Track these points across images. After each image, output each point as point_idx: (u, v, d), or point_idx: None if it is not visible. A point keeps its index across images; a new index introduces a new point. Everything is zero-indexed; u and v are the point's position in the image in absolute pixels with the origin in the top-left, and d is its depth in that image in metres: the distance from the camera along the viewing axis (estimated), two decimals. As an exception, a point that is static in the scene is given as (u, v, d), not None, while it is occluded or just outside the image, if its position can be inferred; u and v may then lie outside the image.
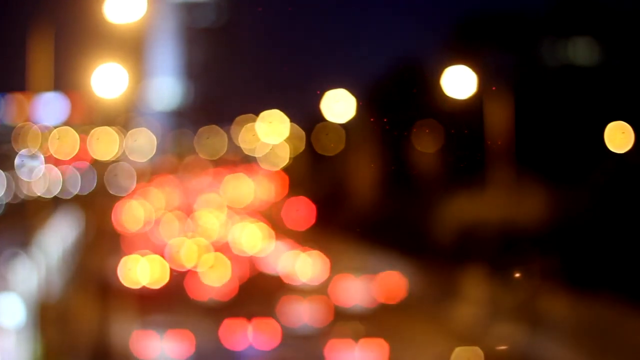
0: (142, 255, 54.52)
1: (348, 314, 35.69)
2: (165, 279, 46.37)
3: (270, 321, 34.58)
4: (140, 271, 48.77)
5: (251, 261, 49.75)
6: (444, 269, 51.09)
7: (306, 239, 53.58)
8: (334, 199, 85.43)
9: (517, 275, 41.43)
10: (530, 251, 41.17)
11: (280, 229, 69.40)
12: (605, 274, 33.57)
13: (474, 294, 45.63)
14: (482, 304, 44.44)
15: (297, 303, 35.59)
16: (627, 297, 32.60)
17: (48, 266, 39.95)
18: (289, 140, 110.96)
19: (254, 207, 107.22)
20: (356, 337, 31.65)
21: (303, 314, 34.97)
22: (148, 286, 45.01)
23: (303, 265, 44.51)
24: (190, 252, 52.91)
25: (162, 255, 52.74)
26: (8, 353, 28.45)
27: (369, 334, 33.18)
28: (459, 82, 48.03)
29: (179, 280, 45.07)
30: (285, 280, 41.41)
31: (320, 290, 39.06)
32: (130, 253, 56.02)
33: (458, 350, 29.31)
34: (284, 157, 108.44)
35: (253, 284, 41.62)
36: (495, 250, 41.61)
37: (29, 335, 30.31)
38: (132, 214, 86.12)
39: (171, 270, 47.76)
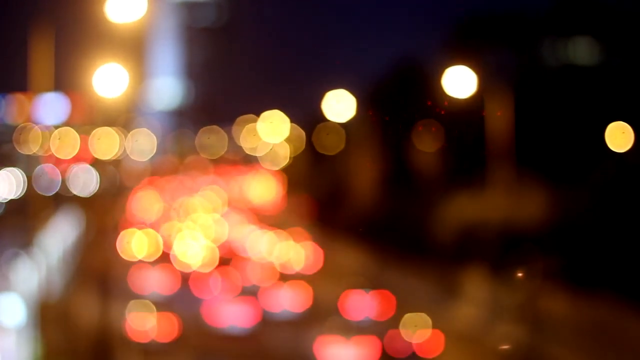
0: (139, 229, 67.79)
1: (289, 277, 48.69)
2: (158, 253, 58.05)
3: (232, 270, 49.49)
4: (136, 246, 60.29)
5: (231, 245, 63.41)
6: (444, 268, 51.15)
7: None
8: (334, 198, 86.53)
9: (518, 275, 41.49)
10: (531, 251, 41.22)
11: (264, 221, 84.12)
12: (606, 273, 33.56)
13: (475, 294, 45.67)
14: (483, 303, 44.49)
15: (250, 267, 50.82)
16: (628, 296, 32.62)
17: (48, 266, 40.03)
18: (289, 140, 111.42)
19: (249, 204, 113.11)
20: (284, 280, 45.56)
21: (254, 276, 48.74)
22: (143, 259, 56.09)
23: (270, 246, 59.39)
24: (180, 238, 64.92)
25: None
26: (8, 353, 28.40)
27: (296, 278, 47.51)
28: (459, 82, 48.16)
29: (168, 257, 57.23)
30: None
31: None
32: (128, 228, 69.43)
33: (407, 316, 33.33)
34: (284, 157, 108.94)
35: (229, 262, 53.34)
36: (495, 250, 41.67)
37: (29, 335, 30.28)
38: (134, 209, 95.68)
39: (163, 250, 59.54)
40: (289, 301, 42.51)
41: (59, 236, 49.42)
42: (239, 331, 38.80)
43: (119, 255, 57.94)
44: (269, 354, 36.00)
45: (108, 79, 49.85)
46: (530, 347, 38.00)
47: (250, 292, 43.82)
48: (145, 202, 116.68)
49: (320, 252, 57.07)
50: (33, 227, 44.95)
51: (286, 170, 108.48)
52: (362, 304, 39.39)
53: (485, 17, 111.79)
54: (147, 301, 41.20)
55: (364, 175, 75.85)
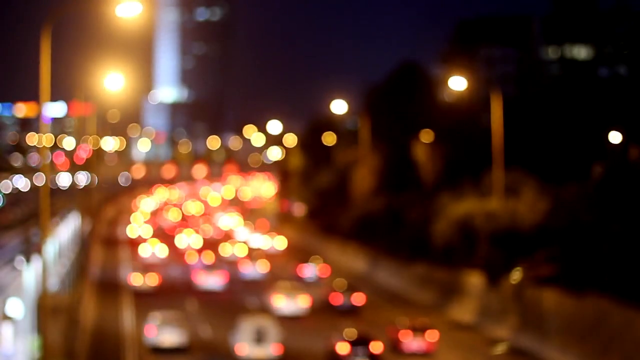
0: (140, 218, 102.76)
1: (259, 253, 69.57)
2: (150, 234, 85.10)
3: (216, 248, 75.25)
4: (139, 229, 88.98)
5: (218, 232, 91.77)
6: (442, 268, 51.41)
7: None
8: (325, 197, 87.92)
9: (516, 274, 41.76)
10: (529, 250, 41.39)
11: (249, 215, 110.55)
12: (600, 272, 33.54)
13: (472, 293, 45.91)
14: (480, 302, 44.75)
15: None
16: (619, 293, 32.74)
17: (50, 265, 40.37)
18: (286, 145, 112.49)
19: (240, 203, 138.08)
20: (255, 259, 63.64)
21: (232, 252, 70.89)
22: (144, 237, 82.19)
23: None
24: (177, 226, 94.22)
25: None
26: (11, 350, 28.75)
27: (263, 255, 68.87)
28: (459, 84, 48.45)
29: (168, 236, 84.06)
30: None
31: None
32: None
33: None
34: (281, 162, 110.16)
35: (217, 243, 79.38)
36: (493, 250, 41.85)
37: (30, 333, 30.69)
38: (138, 204, 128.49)
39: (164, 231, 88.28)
40: (256, 268, 60.49)
41: (61, 233, 49.79)
42: (216, 287, 54.76)
43: (125, 234, 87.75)
44: (237, 303, 49.89)
45: (112, 87, 50.22)
46: (527, 346, 38.30)
47: (228, 262, 64.68)
48: (147, 199, 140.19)
49: (286, 239, 79.26)
50: (35, 225, 46.01)
51: (281, 172, 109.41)
52: (309, 270, 59.30)
53: (485, 21, 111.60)
54: (143, 262, 63.69)
55: (362, 175, 76.17)
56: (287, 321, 43.18)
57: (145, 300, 49.31)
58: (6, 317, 29.26)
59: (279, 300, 46.21)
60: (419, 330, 36.96)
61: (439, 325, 42.32)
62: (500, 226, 42.13)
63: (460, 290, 47.37)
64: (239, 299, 51.30)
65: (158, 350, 36.07)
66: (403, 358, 36.20)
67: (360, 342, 34.82)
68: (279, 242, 77.01)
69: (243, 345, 35.40)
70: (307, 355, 37.27)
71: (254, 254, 66.81)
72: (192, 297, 51.56)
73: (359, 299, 47.72)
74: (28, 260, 33.09)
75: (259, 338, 35.43)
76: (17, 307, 30.24)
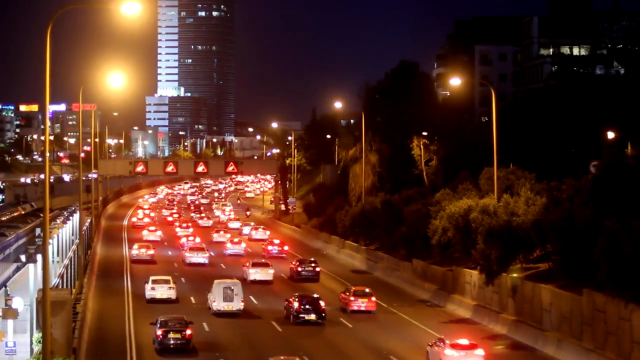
0: (143, 209, 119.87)
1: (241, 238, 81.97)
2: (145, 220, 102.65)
3: (208, 232, 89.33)
4: (141, 217, 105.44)
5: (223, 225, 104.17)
6: (440, 264, 51.57)
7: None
8: (322, 194, 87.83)
9: (514, 273, 41.94)
10: (526, 246, 41.53)
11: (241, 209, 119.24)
12: (601, 269, 33.61)
13: (470, 288, 46.10)
14: (478, 298, 44.93)
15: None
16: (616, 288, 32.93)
17: (52, 259, 40.54)
18: (286, 144, 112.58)
19: (236, 198, 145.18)
20: (237, 240, 76.88)
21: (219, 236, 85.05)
22: (145, 224, 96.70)
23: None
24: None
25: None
26: (13, 348, 28.96)
27: (243, 239, 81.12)
28: (458, 85, 48.57)
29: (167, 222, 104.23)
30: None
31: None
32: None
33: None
34: (281, 160, 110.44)
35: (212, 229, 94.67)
36: (491, 246, 41.99)
37: (33, 331, 30.92)
38: (141, 198, 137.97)
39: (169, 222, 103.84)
40: (237, 247, 74.23)
41: (62, 231, 50.00)
42: (202, 261, 66.59)
43: (129, 222, 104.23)
44: (218, 272, 60.33)
45: (114, 86, 50.25)
46: (525, 343, 38.51)
47: (216, 242, 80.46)
48: (149, 194, 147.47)
49: (267, 229, 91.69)
50: (36, 223, 46.09)
51: (281, 170, 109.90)
52: (274, 248, 72.94)
53: (481, 21, 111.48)
54: (143, 239, 77.77)
55: (360, 172, 76.35)
56: (257, 286, 55.39)
57: (145, 269, 60.98)
58: (8, 313, 29.54)
59: (251, 269, 57.42)
60: (362, 295, 47.77)
61: (438, 321, 42.76)
62: (498, 222, 42.25)
63: (458, 286, 47.68)
64: (221, 269, 63.94)
65: (153, 300, 48.72)
66: (350, 315, 46.69)
67: (310, 301, 44.22)
68: (264, 232, 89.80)
69: (216, 301, 45.74)
70: (271, 311, 47.00)
71: (238, 237, 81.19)
72: (182, 267, 64.74)
73: (318, 269, 59.73)
74: (30, 255, 33.31)
75: (228, 296, 45.67)
76: (19, 302, 30.50)
